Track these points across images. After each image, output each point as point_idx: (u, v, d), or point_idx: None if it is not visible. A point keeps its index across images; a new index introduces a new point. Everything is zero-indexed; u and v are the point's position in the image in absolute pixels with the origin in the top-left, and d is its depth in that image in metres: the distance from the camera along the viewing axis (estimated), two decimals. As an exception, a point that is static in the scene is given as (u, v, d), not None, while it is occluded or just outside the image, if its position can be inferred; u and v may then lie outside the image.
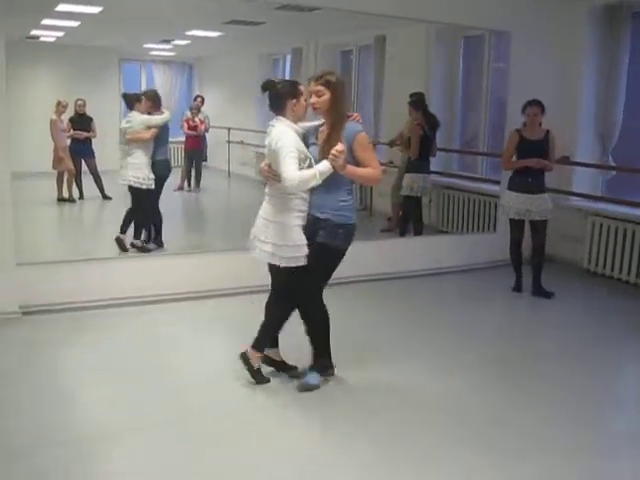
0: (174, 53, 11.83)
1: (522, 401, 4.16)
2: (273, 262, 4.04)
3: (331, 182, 3.91)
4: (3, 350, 4.75)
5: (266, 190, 4.12)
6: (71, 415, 3.81)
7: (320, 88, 3.96)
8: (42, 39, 10.16)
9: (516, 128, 6.26)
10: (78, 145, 9.54)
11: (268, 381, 4.25)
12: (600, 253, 7.12)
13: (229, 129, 11.33)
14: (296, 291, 4.14)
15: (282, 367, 4.37)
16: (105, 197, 9.63)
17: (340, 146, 3.78)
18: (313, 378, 4.23)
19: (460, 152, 9.01)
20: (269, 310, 4.27)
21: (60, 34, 9.81)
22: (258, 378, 4.23)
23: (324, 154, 3.88)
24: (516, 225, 6.33)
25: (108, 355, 4.70)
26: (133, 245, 7.03)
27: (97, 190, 9.59)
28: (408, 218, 7.82)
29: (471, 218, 8.21)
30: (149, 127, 6.97)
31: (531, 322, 6.08)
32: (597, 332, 5.53)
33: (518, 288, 6.51)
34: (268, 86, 4.04)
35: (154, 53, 11.75)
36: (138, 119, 7.01)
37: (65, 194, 9.45)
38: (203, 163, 10.61)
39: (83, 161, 9.55)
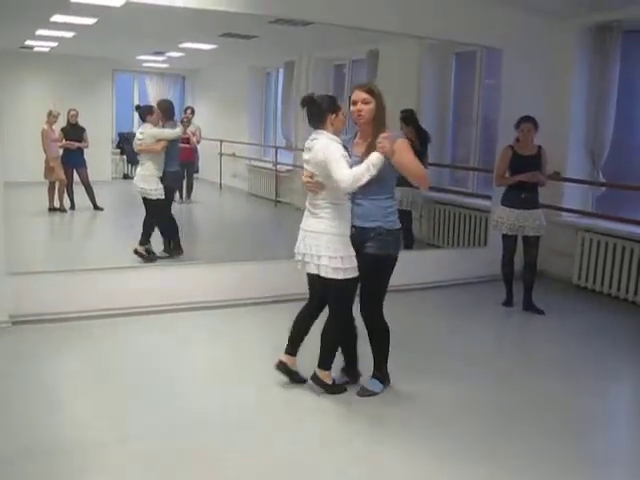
0: (167, 65, 11.84)
1: (515, 415, 4.18)
2: (333, 276, 4.04)
3: (373, 190, 3.95)
4: (-7, 360, 4.72)
5: (308, 204, 4.15)
6: (60, 425, 3.78)
7: (366, 96, 4.02)
8: (36, 49, 10.16)
9: (509, 144, 6.30)
10: (70, 155, 9.53)
11: (345, 390, 4.31)
12: (590, 269, 7.16)
13: (221, 141, 11.35)
14: (350, 303, 4.19)
15: (295, 377, 4.38)
16: (96, 207, 9.62)
17: (384, 133, 3.84)
18: (374, 385, 4.31)
19: (451, 167, 9.06)
20: (328, 329, 4.25)
21: (54, 44, 9.81)
22: (336, 391, 4.29)
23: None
24: (509, 240, 6.35)
25: (98, 365, 4.68)
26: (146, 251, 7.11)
27: (88, 200, 9.58)
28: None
29: (462, 233, 8.24)
30: (160, 140, 7.04)
31: (522, 337, 6.10)
32: (587, 347, 5.54)
33: (509, 303, 6.52)
34: (308, 102, 4.11)
35: (147, 65, 11.77)
36: (149, 132, 7.08)
37: (56, 204, 9.43)
38: (195, 175, 10.62)
39: (75, 171, 9.54)
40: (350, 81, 9.76)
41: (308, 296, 4.37)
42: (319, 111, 4.08)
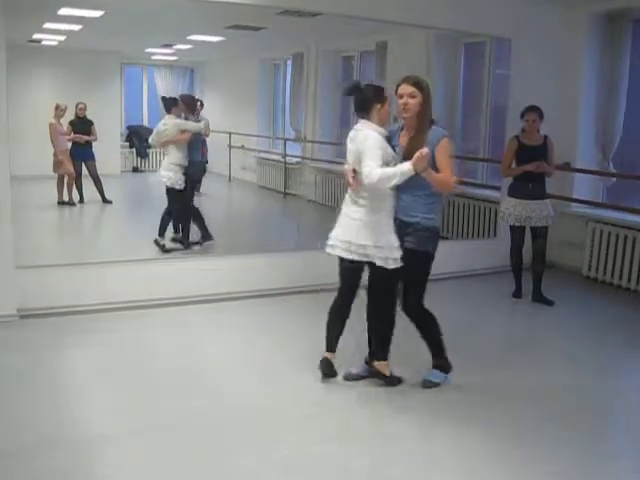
0: (176, 57, 11.83)
1: (519, 409, 4.15)
2: (379, 263, 4.04)
3: (415, 184, 3.91)
4: (0, 353, 4.73)
5: (350, 193, 4.12)
6: (69, 418, 3.79)
7: (413, 89, 3.97)
8: (44, 43, 10.16)
9: (514, 135, 6.26)
10: (78, 148, 9.54)
11: (401, 381, 4.33)
12: (600, 260, 7.11)
13: (230, 134, 11.33)
14: (391, 292, 4.19)
15: (330, 372, 4.37)
16: (105, 201, 9.63)
17: (425, 149, 3.78)
18: (435, 376, 4.32)
19: (461, 158, 9.00)
20: (375, 320, 4.28)
21: (62, 38, 9.81)
22: (394, 382, 4.31)
23: (408, 157, 3.87)
24: (516, 232, 6.31)
25: (106, 360, 4.68)
26: (174, 239, 7.33)
27: (97, 194, 9.59)
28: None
29: (472, 224, 8.20)
30: (183, 131, 7.25)
31: (531, 328, 6.05)
32: (597, 339, 5.51)
33: (518, 294, 6.49)
34: (354, 90, 4.08)
35: (156, 57, 11.75)
36: (173, 122, 7.30)
37: (65, 197, 9.45)
38: (204, 167, 10.61)
39: (83, 164, 9.56)
40: (359, 73, 9.71)
41: (339, 290, 4.34)
42: (365, 100, 4.04)
